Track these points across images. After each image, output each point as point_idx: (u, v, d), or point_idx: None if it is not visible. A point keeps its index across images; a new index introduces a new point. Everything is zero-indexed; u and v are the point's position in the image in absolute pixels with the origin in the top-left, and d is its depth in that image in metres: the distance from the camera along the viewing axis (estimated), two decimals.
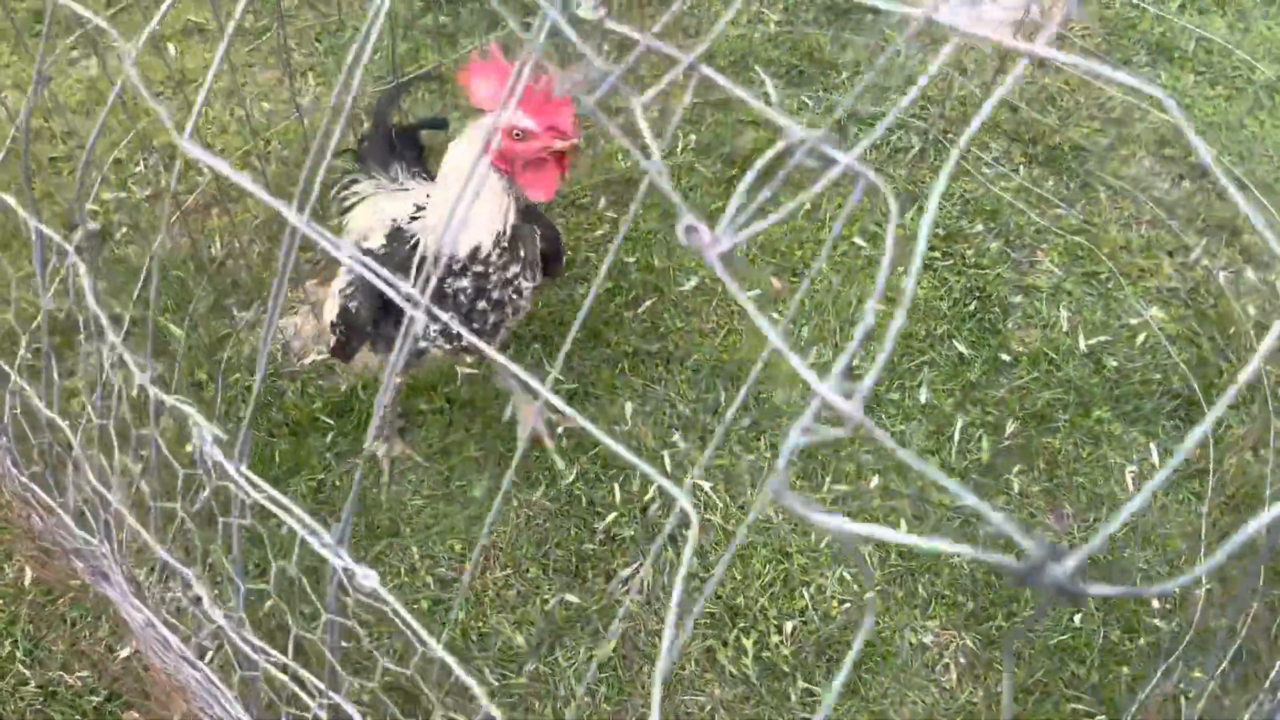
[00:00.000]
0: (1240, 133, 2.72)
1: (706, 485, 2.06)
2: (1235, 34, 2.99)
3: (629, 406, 2.15)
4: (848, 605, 1.94)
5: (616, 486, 2.04)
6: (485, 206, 1.60)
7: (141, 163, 2.42)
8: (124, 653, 1.81)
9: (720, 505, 2.04)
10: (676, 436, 2.12)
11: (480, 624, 1.88)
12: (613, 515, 2.01)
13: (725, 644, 1.87)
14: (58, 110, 2.44)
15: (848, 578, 1.97)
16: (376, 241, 1.76)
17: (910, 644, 1.91)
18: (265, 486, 0.76)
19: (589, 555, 1.96)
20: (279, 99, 2.60)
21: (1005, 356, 2.27)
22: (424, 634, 0.72)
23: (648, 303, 2.29)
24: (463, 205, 1.54)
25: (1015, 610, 1.94)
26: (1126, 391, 2.23)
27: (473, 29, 2.79)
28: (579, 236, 2.40)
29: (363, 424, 2.08)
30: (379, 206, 1.85)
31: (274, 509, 0.75)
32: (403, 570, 1.92)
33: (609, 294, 2.30)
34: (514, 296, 1.71)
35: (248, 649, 0.91)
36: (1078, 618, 1.94)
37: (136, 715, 1.77)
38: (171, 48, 2.67)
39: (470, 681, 0.68)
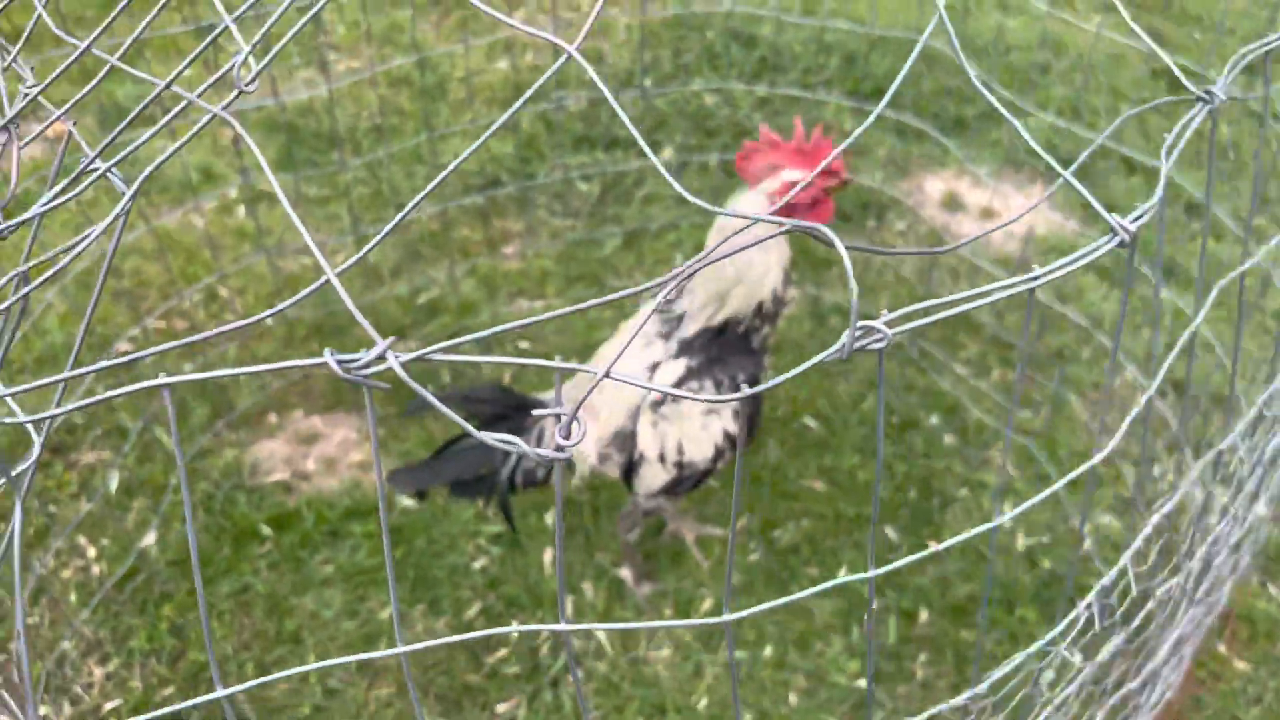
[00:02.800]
0: None
1: (601, 635, 2.10)
2: None
3: (549, 553, 2.24)
4: None
5: (515, 622, 2.12)
6: (775, 254, 1.79)
7: (184, 299, 2.78)
8: None
9: (609, 655, 2.07)
10: (586, 584, 2.19)
11: None
12: (503, 651, 2.08)
13: None
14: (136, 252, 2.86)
15: None
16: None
17: None
18: None
19: (471, 687, 2.03)
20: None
21: (934, 544, 2.25)
22: None
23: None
24: (761, 255, 1.78)
25: None
26: (1057, 595, 2.16)
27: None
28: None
29: (304, 541, 2.25)
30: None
31: None
32: (296, 676, 2.04)
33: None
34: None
35: None
36: None
37: None
38: (242, 209, 3.09)
39: None
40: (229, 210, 3.08)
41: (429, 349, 0.56)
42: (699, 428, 1.82)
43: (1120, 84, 3.51)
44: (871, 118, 0.62)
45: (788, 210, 1.72)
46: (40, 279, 0.61)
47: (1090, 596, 0.98)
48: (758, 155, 1.75)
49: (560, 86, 3.43)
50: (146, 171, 0.63)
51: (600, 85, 0.59)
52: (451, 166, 0.61)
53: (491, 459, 1.92)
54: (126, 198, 0.63)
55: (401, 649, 0.66)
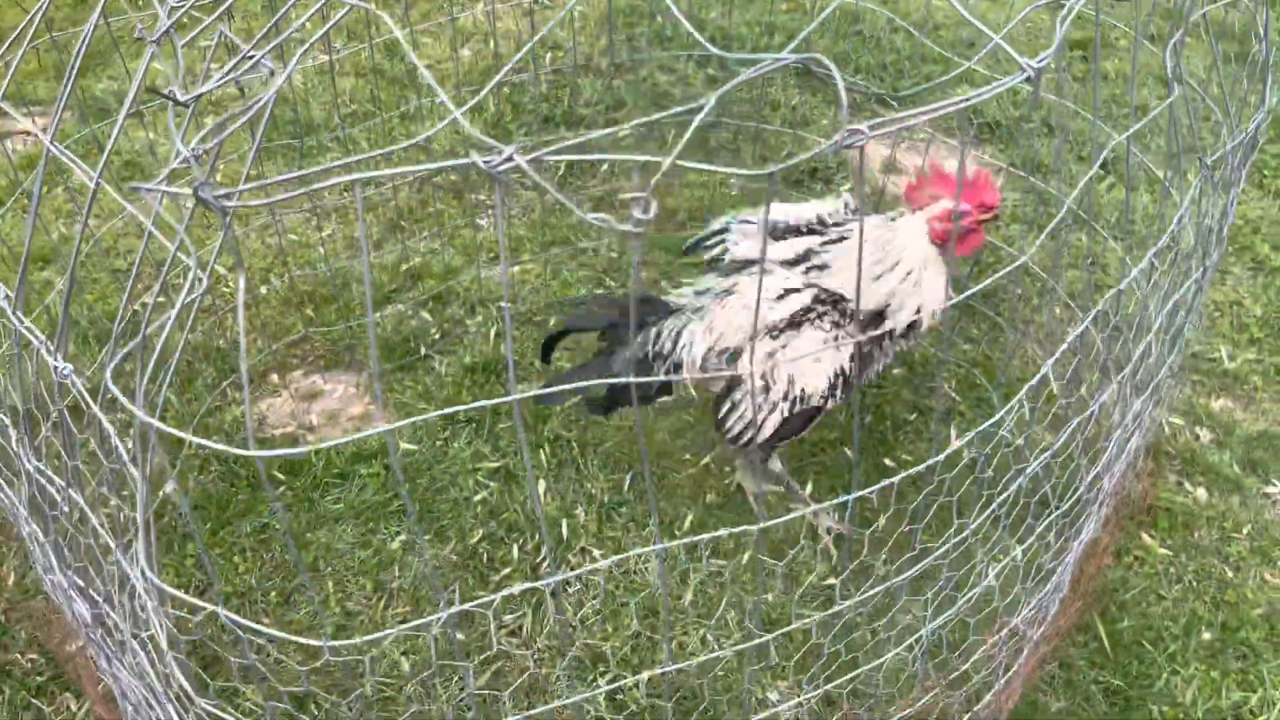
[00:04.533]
0: None
1: (596, 552, 2.31)
2: None
3: (542, 484, 2.45)
4: (704, 660, 2.13)
5: (515, 547, 2.32)
6: (938, 280, 1.98)
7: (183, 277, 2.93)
8: (71, 647, 2.13)
9: (605, 569, 2.28)
10: (579, 510, 2.39)
11: (373, 649, 2.14)
12: (507, 570, 2.28)
13: (584, 683, 2.08)
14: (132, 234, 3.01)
15: (710, 638, 2.17)
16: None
17: (756, 699, 2.07)
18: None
19: (478, 599, 2.22)
20: (301, 232, 3.13)
21: (889, 462, 2.49)
22: None
23: (576, 398, 2.63)
24: (917, 277, 1.95)
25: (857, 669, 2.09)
26: (1001, 498, 2.41)
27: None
28: (526, 345, 2.78)
29: (315, 484, 2.43)
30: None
31: None
32: (317, 599, 2.22)
33: None
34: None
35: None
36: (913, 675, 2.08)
37: (70, 696, 2.07)
38: None
39: None
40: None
41: (547, 150, 0.77)
42: (809, 363, 2.06)
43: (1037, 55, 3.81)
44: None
45: (943, 236, 1.97)
46: (232, 128, 0.80)
47: (1021, 394, 1.21)
48: (925, 184, 1.98)
49: (524, 69, 3.64)
50: (299, 54, 0.83)
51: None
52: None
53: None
54: (280, 78, 0.83)
55: (384, 426, 0.86)
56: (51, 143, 1.01)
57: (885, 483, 1.20)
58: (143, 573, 0.99)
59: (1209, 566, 2.32)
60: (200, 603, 0.97)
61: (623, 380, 0.93)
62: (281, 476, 2.43)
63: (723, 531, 0.93)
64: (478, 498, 2.41)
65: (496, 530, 2.35)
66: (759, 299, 0.97)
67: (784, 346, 2.05)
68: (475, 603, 0.92)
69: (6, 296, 1.13)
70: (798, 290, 2.09)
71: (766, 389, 2.09)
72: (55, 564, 1.30)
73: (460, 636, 2.16)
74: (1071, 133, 3.49)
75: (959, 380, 2.69)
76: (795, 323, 2.07)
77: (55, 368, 1.08)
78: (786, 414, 2.11)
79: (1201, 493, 2.47)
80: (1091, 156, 3.36)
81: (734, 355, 2.11)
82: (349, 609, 2.21)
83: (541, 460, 2.49)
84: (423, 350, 2.76)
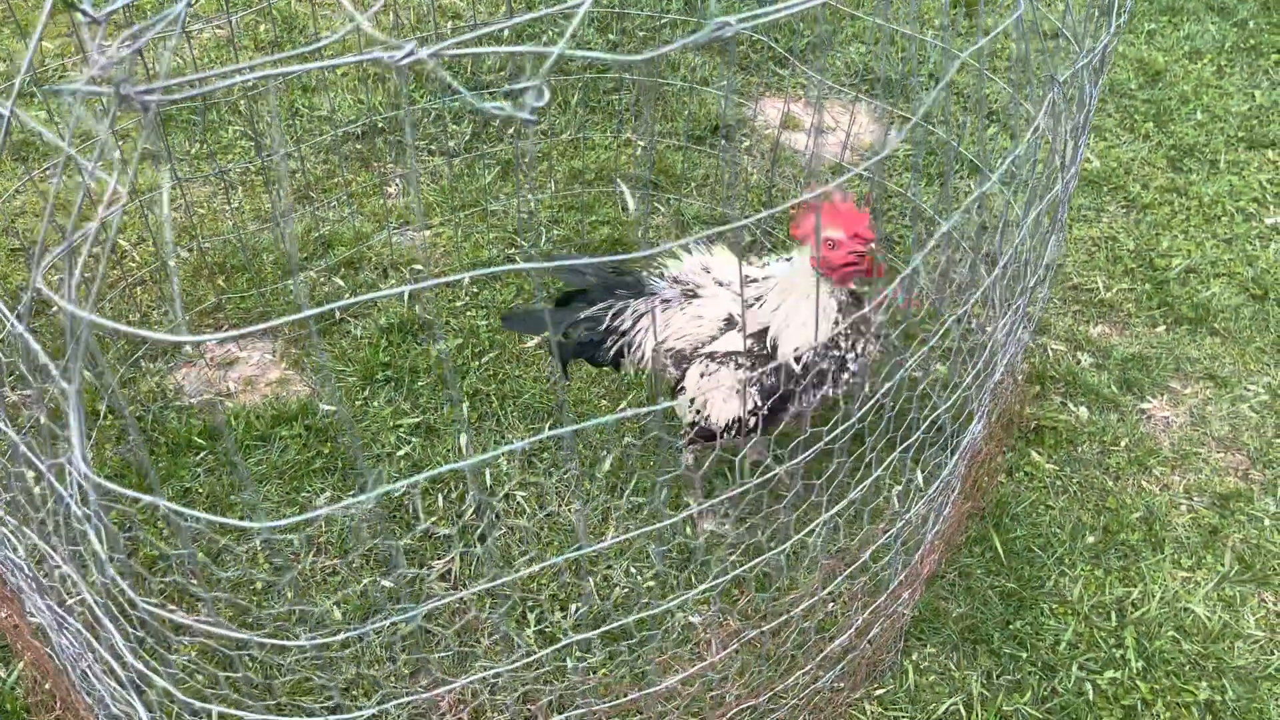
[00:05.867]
0: None
1: (520, 495, 2.39)
2: None
3: (464, 438, 2.51)
4: (628, 590, 2.22)
5: (440, 497, 2.38)
6: (808, 316, 2.01)
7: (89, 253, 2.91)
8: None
9: (528, 511, 2.36)
10: (502, 460, 2.46)
11: (304, 602, 2.18)
12: (433, 519, 2.34)
13: (512, 619, 2.16)
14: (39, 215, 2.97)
15: (633, 570, 2.26)
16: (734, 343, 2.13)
17: (680, 623, 2.18)
18: None
19: (409, 550, 2.28)
20: (209, 205, 3.12)
21: None
22: None
23: (492, 355, 2.69)
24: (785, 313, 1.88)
25: (779, 598, 2.21)
26: (902, 428, 2.55)
27: None
28: (443, 306, 2.83)
29: (237, 447, 2.45)
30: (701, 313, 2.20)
31: None
32: (245, 557, 2.25)
33: (459, 348, 2.70)
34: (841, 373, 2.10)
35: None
36: (832, 606, 2.20)
37: None
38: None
39: None
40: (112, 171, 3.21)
41: (445, 44, 0.84)
42: (722, 399, 2.14)
43: (927, 11, 3.98)
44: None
45: (826, 267, 1.97)
46: (147, 36, 0.85)
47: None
48: (809, 219, 2.00)
49: (424, 43, 3.66)
50: None
51: None
52: None
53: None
54: None
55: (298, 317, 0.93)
56: None
57: (773, 365, 1.29)
58: (77, 470, 1.04)
59: (1091, 477, 2.49)
60: (139, 495, 1.02)
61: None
62: (202, 442, 2.45)
63: (631, 412, 1.01)
64: (401, 452, 2.46)
65: (420, 483, 2.41)
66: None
67: (710, 374, 2.16)
68: (401, 483, 0.99)
69: None
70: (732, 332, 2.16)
71: (692, 402, 2.21)
72: None
73: (388, 584, 2.22)
74: (959, 85, 3.65)
75: None
76: (721, 360, 2.16)
77: None
78: (692, 436, 2.25)
79: (1083, 411, 2.65)
80: (975, 107, 3.53)
81: (678, 357, 2.21)
82: (278, 565, 2.25)
83: (464, 413, 2.55)
84: (338, 314, 2.79)
